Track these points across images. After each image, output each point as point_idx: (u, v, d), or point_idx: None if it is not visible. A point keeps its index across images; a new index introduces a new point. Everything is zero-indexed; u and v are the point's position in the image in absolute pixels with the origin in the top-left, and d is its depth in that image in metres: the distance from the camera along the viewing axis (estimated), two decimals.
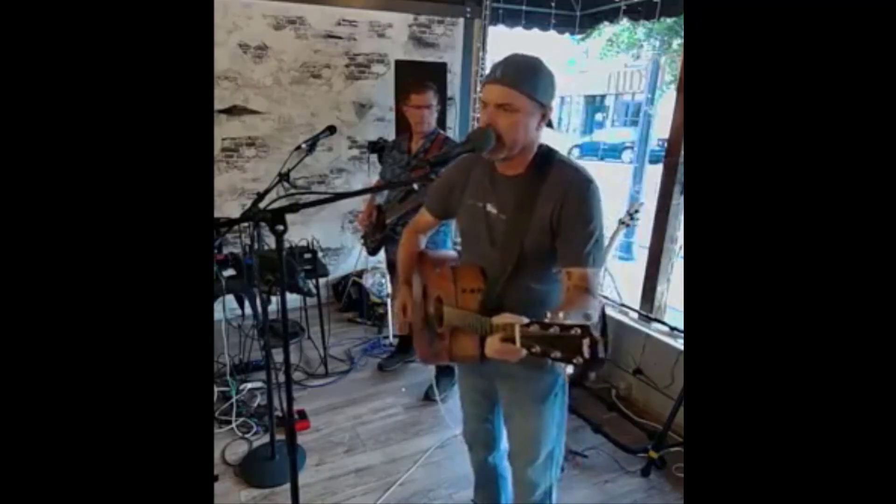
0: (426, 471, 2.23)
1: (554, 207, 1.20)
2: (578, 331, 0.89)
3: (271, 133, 3.49)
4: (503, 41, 4.03)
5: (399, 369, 3.04)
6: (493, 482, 1.71)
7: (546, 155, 1.26)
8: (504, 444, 1.63)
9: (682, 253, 2.66)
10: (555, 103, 1.24)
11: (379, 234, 2.70)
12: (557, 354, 0.90)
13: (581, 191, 1.20)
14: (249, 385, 2.74)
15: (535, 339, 0.93)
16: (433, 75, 3.37)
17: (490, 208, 1.29)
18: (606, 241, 1.46)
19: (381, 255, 3.18)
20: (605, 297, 3.01)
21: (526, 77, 1.15)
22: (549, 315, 0.93)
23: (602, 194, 1.23)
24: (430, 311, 1.43)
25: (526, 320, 0.96)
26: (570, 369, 0.93)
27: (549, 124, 1.25)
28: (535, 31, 3.79)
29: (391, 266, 2.88)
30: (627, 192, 6.52)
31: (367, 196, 2.93)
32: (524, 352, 0.96)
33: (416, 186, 2.32)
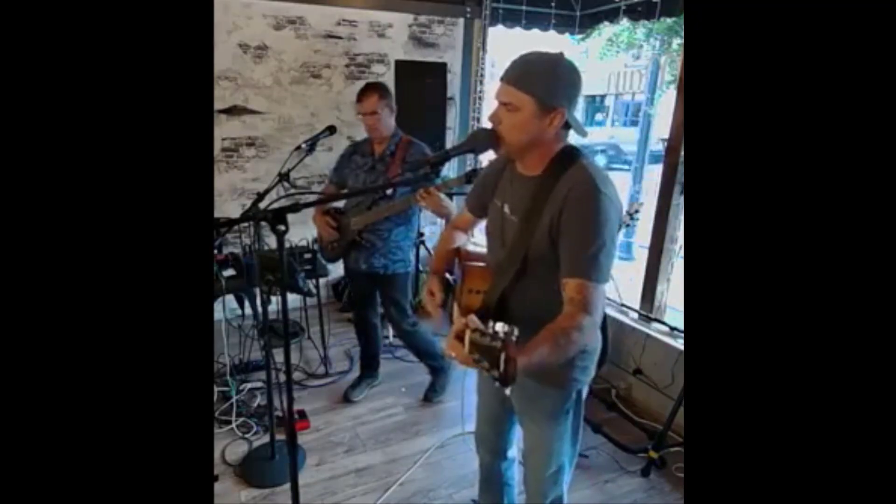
0: (426, 471, 2.23)
1: (555, 212, 1.13)
2: (499, 343, 0.85)
3: (271, 133, 3.49)
4: (503, 41, 4.03)
5: (401, 370, 3.03)
6: (498, 489, 1.67)
7: (567, 156, 1.17)
8: (512, 453, 1.62)
9: (682, 253, 2.66)
10: (577, 107, 1.15)
11: (345, 239, 2.49)
12: (485, 364, 0.86)
13: (584, 195, 1.10)
14: (249, 385, 2.74)
15: (475, 346, 0.88)
16: (433, 75, 3.36)
17: (506, 209, 1.25)
18: None
19: None
20: (606, 297, 2.99)
21: (530, 77, 1.11)
22: (493, 323, 0.87)
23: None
24: (451, 310, 1.39)
25: (477, 324, 0.89)
26: (495, 382, 0.86)
27: (569, 127, 1.17)
28: (535, 32, 3.78)
29: (354, 274, 2.61)
30: (627, 192, 6.52)
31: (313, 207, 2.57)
32: (468, 357, 0.89)
33: (389, 192, 2.21)
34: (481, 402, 1.58)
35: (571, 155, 1.17)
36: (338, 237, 2.51)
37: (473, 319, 0.91)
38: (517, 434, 1.57)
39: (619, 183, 1.37)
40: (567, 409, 1.33)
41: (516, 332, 0.86)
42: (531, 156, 1.19)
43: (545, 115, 1.12)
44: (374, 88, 2.34)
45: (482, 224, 1.45)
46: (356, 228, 2.43)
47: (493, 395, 1.51)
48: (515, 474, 1.67)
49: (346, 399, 2.73)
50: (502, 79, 1.14)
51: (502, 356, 0.84)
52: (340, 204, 2.56)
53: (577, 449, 1.43)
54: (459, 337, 0.92)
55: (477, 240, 2.65)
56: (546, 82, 1.11)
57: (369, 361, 2.84)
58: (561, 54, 1.15)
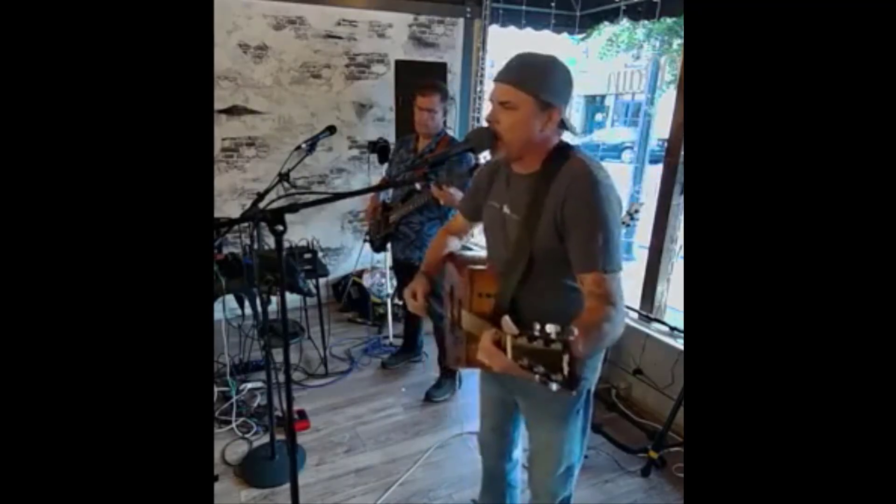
0: (426, 471, 2.23)
1: (558, 205, 1.14)
2: (559, 346, 0.82)
3: (271, 133, 3.49)
4: (503, 41, 4.03)
5: (401, 368, 3.05)
6: (501, 490, 1.67)
7: (561, 151, 1.20)
8: (517, 454, 1.62)
9: (682, 253, 2.66)
10: (570, 107, 1.19)
11: (384, 230, 2.72)
12: (541, 370, 0.83)
13: (584, 186, 1.12)
14: (249, 385, 2.74)
15: (523, 352, 0.86)
16: (433, 75, 3.37)
17: (505, 209, 1.26)
18: None
19: (382, 254, 3.19)
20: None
21: (528, 75, 1.13)
22: (539, 326, 0.85)
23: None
24: (455, 314, 1.39)
25: (515, 329, 0.88)
26: (553, 387, 0.83)
27: (565, 126, 1.20)
28: (535, 32, 3.78)
29: (396, 264, 2.86)
30: (627, 192, 6.52)
31: (370, 194, 2.93)
32: (513, 364, 0.88)
33: (418, 186, 2.37)
34: (484, 406, 1.58)
35: (565, 150, 1.21)
36: (377, 227, 2.79)
37: (510, 324, 0.89)
38: (521, 435, 1.57)
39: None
40: (578, 409, 1.33)
41: (574, 331, 0.83)
42: (528, 154, 1.20)
43: (543, 113, 1.14)
44: (439, 89, 2.51)
45: (477, 228, 1.46)
46: (393, 220, 2.66)
47: (493, 398, 1.51)
48: (519, 475, 1.68)
49: (383, 366, 3.02)
50: (498, 79, 1.16)
51: (565, 358, 0.81)
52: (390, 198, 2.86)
53: (584, 447, 1.43)
54: (496, 343, 0.91)
55: (475, 240, 2.67)
56: (543, 81, 1.13)
57: (411, 344, 3.09)
58: (554, 56, 1.17)
